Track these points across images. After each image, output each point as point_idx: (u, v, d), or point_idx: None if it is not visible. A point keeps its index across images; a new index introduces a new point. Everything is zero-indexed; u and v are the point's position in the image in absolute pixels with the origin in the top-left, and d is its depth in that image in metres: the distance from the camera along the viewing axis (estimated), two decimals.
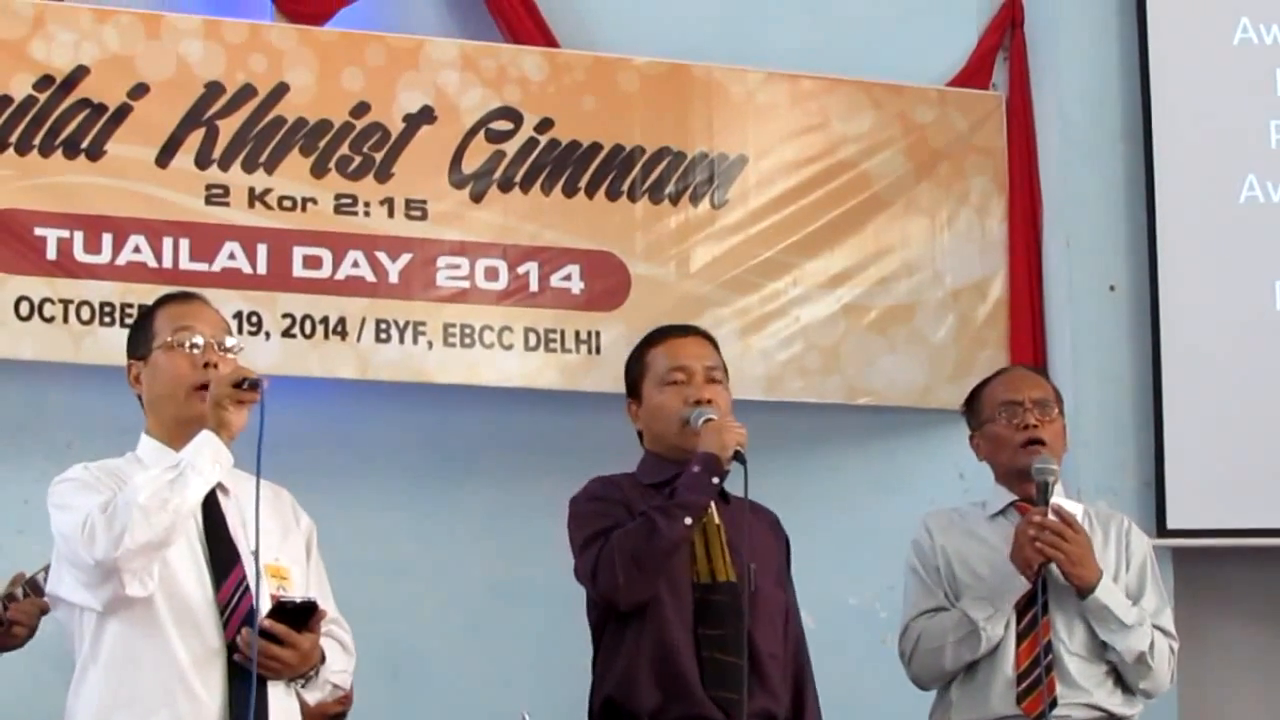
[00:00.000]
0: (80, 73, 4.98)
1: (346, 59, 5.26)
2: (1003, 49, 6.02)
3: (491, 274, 5.31)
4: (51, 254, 4.89)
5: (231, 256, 5.06)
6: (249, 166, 5.12)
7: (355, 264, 5.17)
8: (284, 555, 3.42)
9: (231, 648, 3.24)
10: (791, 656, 3.92)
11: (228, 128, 5.11)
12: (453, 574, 5.36)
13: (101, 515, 3.18)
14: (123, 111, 5.01)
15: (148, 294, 4.59)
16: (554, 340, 5.34)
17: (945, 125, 5.85)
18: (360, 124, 5.24)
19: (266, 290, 5.07)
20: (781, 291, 5.62)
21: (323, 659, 3.36)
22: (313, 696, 3.40)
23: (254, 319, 5.04)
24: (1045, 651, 3.97)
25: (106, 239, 4.95)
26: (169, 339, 3.43)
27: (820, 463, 5.69)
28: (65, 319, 4.87)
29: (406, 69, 5.32)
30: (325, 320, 5.11)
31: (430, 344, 5.19)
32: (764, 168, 5.65)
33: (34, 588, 3.74)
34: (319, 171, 5.19)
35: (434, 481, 5.39)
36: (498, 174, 5.36)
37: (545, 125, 5.43)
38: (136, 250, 4.97)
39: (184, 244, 5.02)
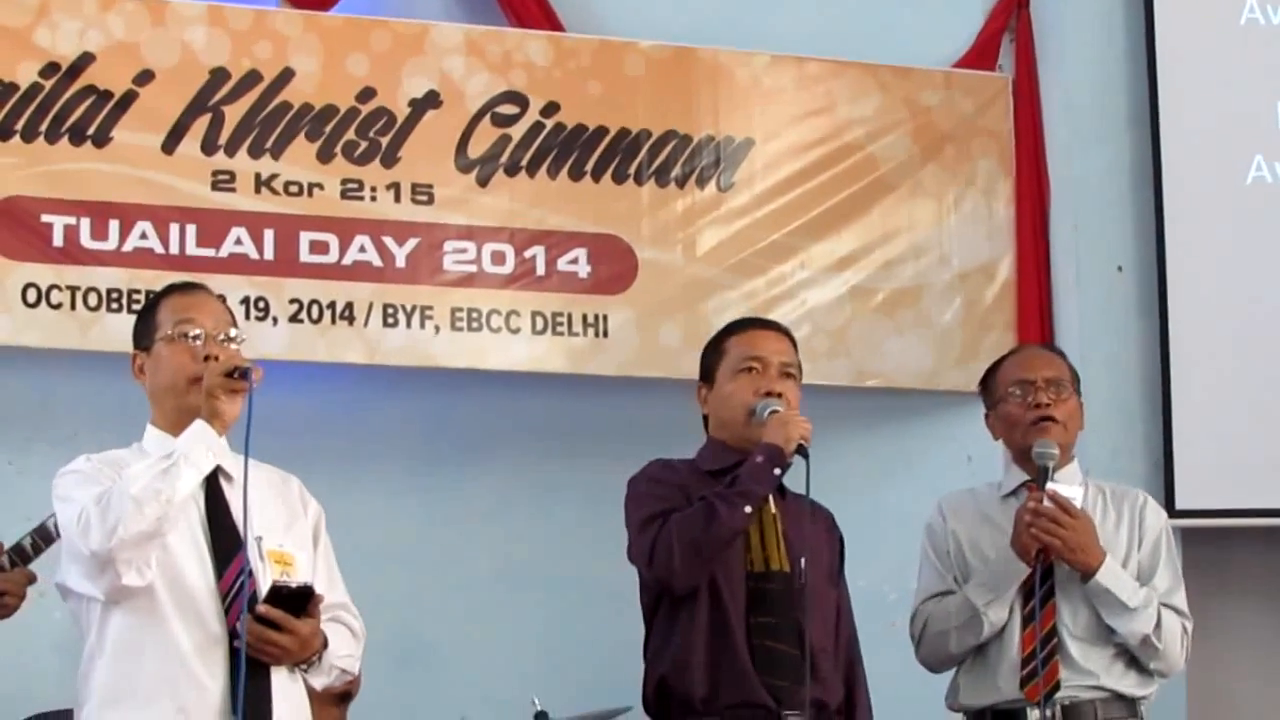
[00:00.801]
0: (85, 60, 4.98)
1: (352, 44, 5.26)
2: (1009, 31, 6.01)
3: (498, 258, 5.31)
4: (58, 241, 4.89)
5: (238, 242, 5.06)
6: (255, 152, 5.12)
7: (362, 249, 5.18)
8: (289, 542, 3.42)
9: (233, 634, 3.25)
10: (843, 653, 3.93)
11: (233, 114, 5.11)
12: (460, 558, 5.36)
13: (95, 507, 3.20)
14: (128, 98, 5.01)
15: (154, 280, 4.62)
16: (561, 324, 5.33)
17: (951, 108, 5.84)
18: (366, 109, 5.24)
19: (273, 276, 5.07)
20: (788, 275, 5.61)
21: (325, 643, 3.36)
22: (318, 681, 3.41)
23: (261, 304, 5.04)
24: (1048, 637, 3.95)
25: (113, 226, 4.95)
26: (170, 331, 3.44)
27: (827, 445, 5.64)
28: (72, 306, 4.88)
29: (412, 54, 5.31)
30: (332, 305, 5.11)
31: (437, 329, 5.20)
32: (770, 151, 5.64)
33: (42, 536, 3.74)
34: (325, 157, 5.19)
35: (441, 466, 5.40)
36: (504, 158, 5.36)
37: (551, 109, 5.42)
38: (143, 237, 4.97)
39: (190, 230, 5.02)
